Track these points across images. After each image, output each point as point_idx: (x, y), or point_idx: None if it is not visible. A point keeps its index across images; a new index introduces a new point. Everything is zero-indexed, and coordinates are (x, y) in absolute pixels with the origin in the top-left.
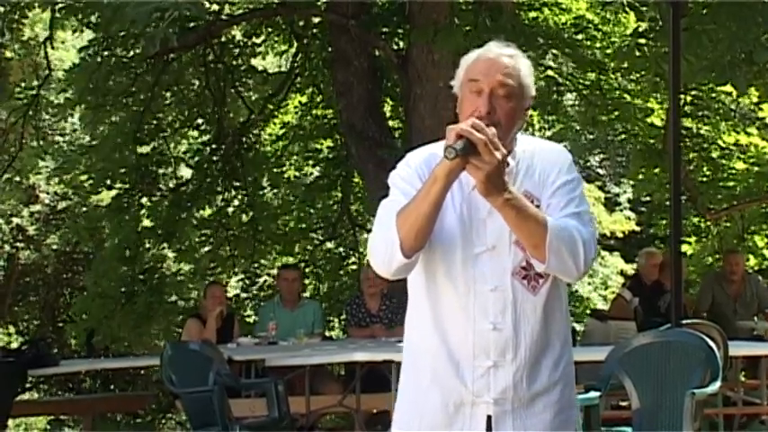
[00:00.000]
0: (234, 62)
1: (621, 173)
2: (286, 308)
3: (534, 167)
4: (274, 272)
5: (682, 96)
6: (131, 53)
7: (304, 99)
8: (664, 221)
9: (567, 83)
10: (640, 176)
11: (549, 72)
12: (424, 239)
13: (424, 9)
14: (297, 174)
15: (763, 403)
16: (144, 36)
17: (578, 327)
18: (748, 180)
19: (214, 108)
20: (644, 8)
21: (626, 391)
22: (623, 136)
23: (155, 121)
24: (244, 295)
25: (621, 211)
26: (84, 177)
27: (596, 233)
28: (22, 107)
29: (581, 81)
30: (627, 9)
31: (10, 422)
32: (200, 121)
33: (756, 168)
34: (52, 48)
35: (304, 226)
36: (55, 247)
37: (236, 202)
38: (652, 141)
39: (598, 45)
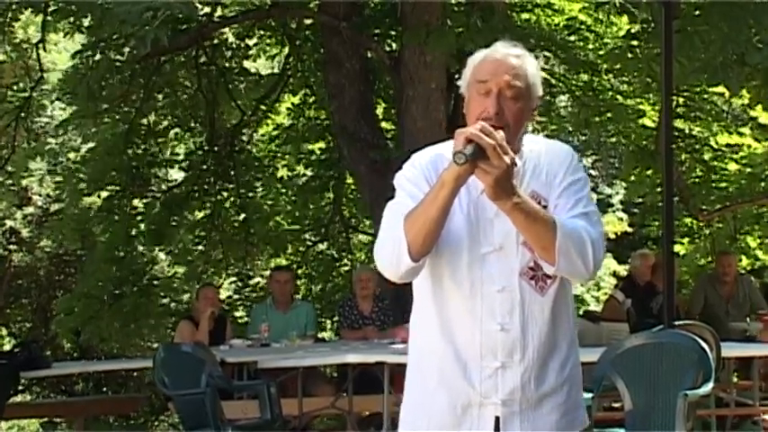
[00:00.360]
0: (226, 64)
1: (614, 174)
2: (278, 310)
3: (541, 167)
4: (267, 273)
5: (674, 98)
6: (123, 55)
7: (296, 100)
8: (656, 223)
9: (560, 84)
10: (633, 178)
11: (542, 73)
12: (432, 243)
13: (416, 10)
14: (290, 174)
15: (755, 404)
16: (135, 36)
17: None
18: (741, 181)
19: (206, 110)
20: (636, 10)
21: (618, 392)
22: (614, 139)
23: (147, 123)
24: (236, 297)
25: (614, 212)
26: (77, 177)
27: (604, 233)
28: (14, 110)
29: (573, 82)
30: (619, 11)
31: (2, 424)
32: (192, 123)
33: (749, 169)
34: (44, 50)
35: (297, 227)
36: (48, 249)
37: (228, 204)
38: (644, 143)
39: (591, 46)
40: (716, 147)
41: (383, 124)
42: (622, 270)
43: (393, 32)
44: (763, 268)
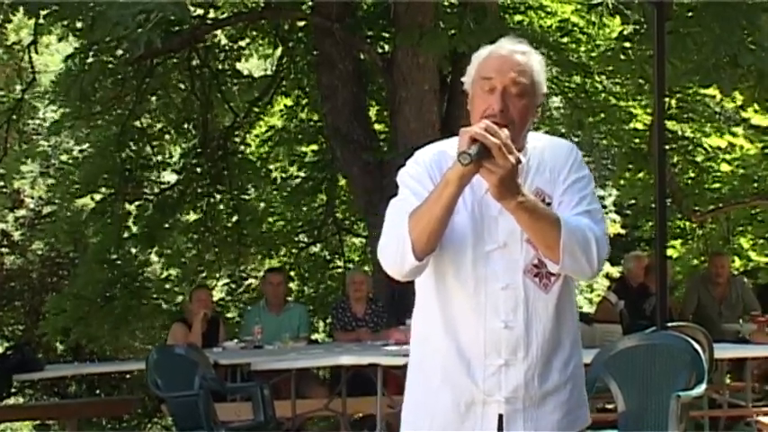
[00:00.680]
0: (219, 66)
1: (606, 176)
2: (272, 312)
3: (545, 164)
4: (260, 274)
5: (667, 99)
6: (116, 57)
7: (289, 102)
8: (649, 224)
9: (553, 86)
10: (625, 180)
11: None
12: (436, 242)
13: (409, 12)
14: (283, 175)
15: (747, 405)
16: (128, 39)
17: None
18: (733, 182)
19: (199, 112)
20: (629, 11)
21: (611, 393)
22: (605, 141)
23: (140, 126)
24: (229, 298)
25: (607, 213)
26: (70, 179)
27: (608, 231)
28: (6, 112)
29: (566, 84)
30: (612, 12)
31: None
32: (185, 125)
33: (741, 170)
34: (36, 52)
35: (289, 228)
36: (40, 252)
37: (221, 206)
38: (637, 143)
39: (583, 48)
40: (708, 148)
41: (376, 126)
42: (615, 272)
43: (386, 34)
44: (756, 269)
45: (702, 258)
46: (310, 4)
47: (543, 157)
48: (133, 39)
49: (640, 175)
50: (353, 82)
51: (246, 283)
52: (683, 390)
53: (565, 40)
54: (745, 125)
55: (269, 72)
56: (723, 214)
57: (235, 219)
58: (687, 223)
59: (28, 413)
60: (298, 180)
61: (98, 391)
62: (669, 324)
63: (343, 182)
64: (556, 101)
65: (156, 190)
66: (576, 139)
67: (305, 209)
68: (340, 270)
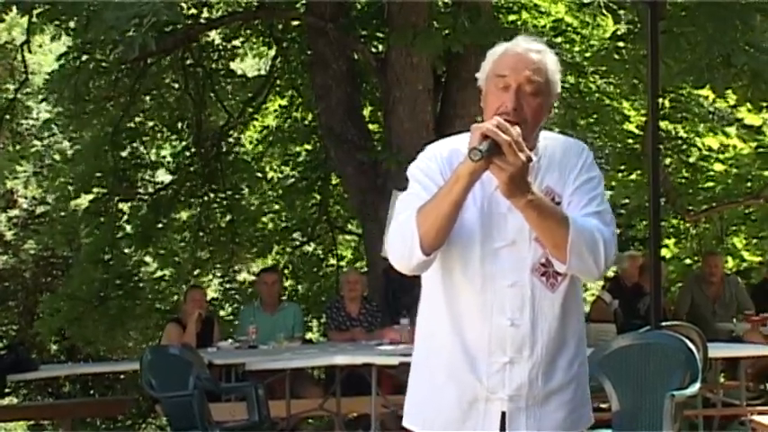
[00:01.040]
0: (213, 66)
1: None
2: (266, 311)
3: (556, 163)
4: (254, 272)
5: (660, 99)
6: (110, 58)
7: (284, 102)
8: (643, 224)
9: None
10: (617, 180)
11: None
12: (444, 238)
13: (403, 12)
14: (279, 175)
15: (742, 404)
16: (123, 41)
17: None
18: (727, 182)
19: (193, 112)
20: (622, 12)
21: (606, 393)
22: (599, 141)
23: (134, 125)
24: (223, 297)
25: None
26: (62, 181)
27: (616, 232)
28: None
29: (560, 84)
30: (605, 12)
31: None
32: (179, 124)
33: (735, 170)
34: (29, 52)
35: (283, 227)
36: (33, 251)
37: (214, 206)
38: (631, 143)
39: (577, 48)
40: (702, 148)
41: (370, 126)
42: (609, 271)
43: (380, 34)
44: (749, 269)
45: (696, 258)
46: (304, 3)
47: (554, 156)
48: (128, 41)
49: (633, 176)
50: (347, 82)
51: (239, 279)
52: (678, 389)
53: (558, 39)
54: (739, 125)
55: (263, 72)
56: (716, 214)
57: (228, 218)
58: (681, 223)
59: (22, 413)
60: (291, 180)
61: (92, 392)
62: (663, 323)
63: (336, 181)
64: None
65: (151, 190)
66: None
67: (299, 209)
68: (332, 268)
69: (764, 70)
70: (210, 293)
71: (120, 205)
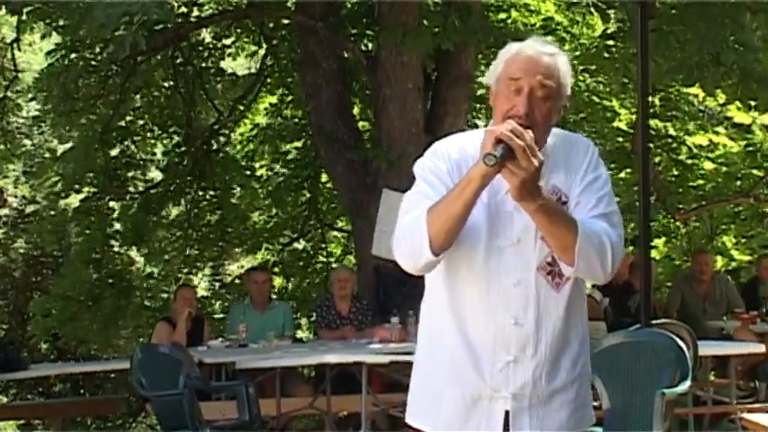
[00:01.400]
0: (203, 64)
1: None
2: (256, 310)
3: (561, 162)
4: (243, 270)
5: (650, 97)
6: (100, 56)
7: (274, 100)
8: (633, 223)
9: None
10: None
11: None
12: (454, 238)
13: (393, 10)
14: (269, 173)
15: (732, 402)
16: (113, 40)
17: None
18: (716, 180)
19: (183, 110)
20: (611, 11)
21: (596, 391)
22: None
23: (124, 124)
24: (212, 295)
25: None
26: (53, 180)
27: (623, 234)
28: None
29: None
30: (594, 11)
31: None
32: (169, 123)
33: (725, 168)
34: (19, 50)
35: (273, 225)
36: (22, 250)
37: (204, 203)
38: (621, 142)
39: (567, 47)
40: (692, 146)
41: (360, 124)
42: None
43: (370, 32)
44: (738, 269)
45: (685, 258)
46: (294, 2)
47: (559, 154)
48: (118, 40)
49: (623, 174)
50: (337, 80)
51: (229, 275)
52: (668, 387)
53: (548, 38)
54: (728, 123)
55: (253, 70)
56: (706, 212)
57: (218, 216)
58: (671, 221)
59: (12, 413)
60: (281, 178)
61: (83, 391)
62: (653, 321)
63: (326, 179)
64: None
65: (141, 188)
66: None
67: (290, 206)
68: (322, 266)
69: (754, 69)
70: (200, 291)
71: (111, 204)
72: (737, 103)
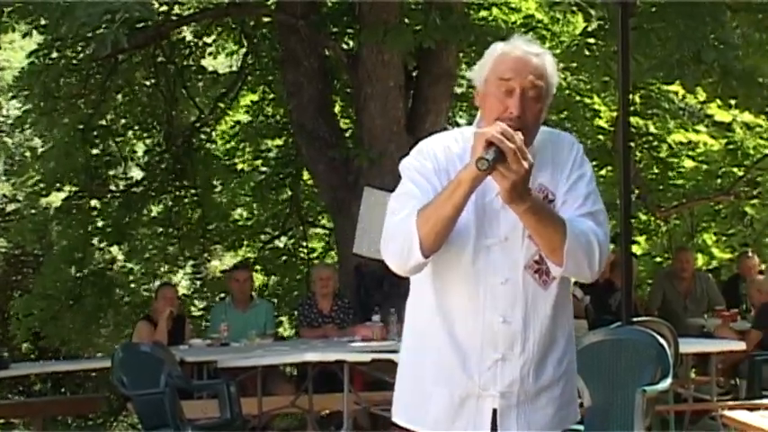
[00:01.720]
0: (184, 62)
1: None
2: (238, 309)
3: (547, 159)
4: (225, 267)
5: (631, 95)
6: (80, 55)
7: (255, 98)
8: (614, 220)
9: None
10: None
11: None
12: (443, 240)
13: (374, 9)
14: (250, 168)
15: (712, 399)
16: (94, 39)
17: None
18: (697, 178)
19: (164, 108)
20: (592, 10)
21: (578, 388)
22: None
23: (105, 123)
24: (193, 292)
25: None
26: (34, 178)
27: (609, 232)
28: None
29: None
30: (575, 9)
31: None
32: (150, 121)
33: (705, 166)
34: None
35: (253, 221)
36: (4, 249)
37: (186, 201)
38: (602, 140)
39: (547, 45)
40: (672, 144)
41: (341, 122)
42: None
43: (351, 31)
44: (719, 267)
45: (666, 255)
46: (275, 0)
47: (546, 151)
48: (99, 39)
49: (603, 172)
50: (319, 79)
51: (210, 272)
52: (649, 384)
53: (529, 36)
54: (709, 121)
55: (234, 68)
56: (687, 210)
57: (199, 213)
58: (651, 219)
59: None
60: (263, 176)
61: (63, 390)
62: (634, 319)
63: (308, 177)
64: None
65: (122, 186)
66: None
67: (271, 204)
68: (303, 263)
69: (734, 67)
70: (181, 290)
71: (93, 202)
72: (718, 101)
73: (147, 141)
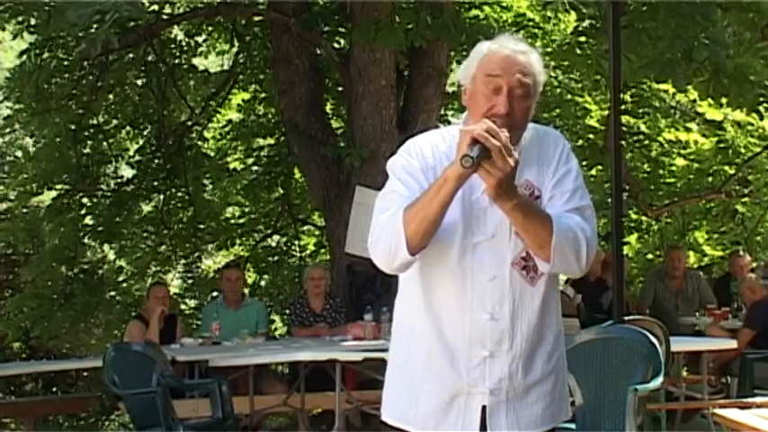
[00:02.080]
0: (175, 61)
1: None
2: (229, 308)
3: (533, 156)
4: (217, 266)
5: (622, 94)
6: (72, 55)
7: (247, 96)
8: (605, 219)
9: None
10: None
11: None
12: (430, 238)
13: (366, 7)
14: (240, 167)
15: (704, 398)
16: (85, 38)
17: None
18: (688, 177)
19: (156, 107)
20: (584, 9)
21: (569, 387)
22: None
23: (96, 122)
24: (185, 290)
25: None
26: (25, 177)
27: (596, 227)
28: None
29: None
30: (567, 8)
31: None
32: (141, 120)
33: (696, 165)
34: None
35: (245, 220)
36: None
37: (177, 200)
38: (593, 138)
39: (539, 43)
40: (663, 142)
41: (333, 121)
42: None
43: (342, 29)
44: (710, 265)
45: (658, 253)
46: None
47: (532, 148)
48: (90, 39)
49: (594, 171)
50: (310, 78)
51: (202, 270)
52: (641, 383)
53: (520, 35)
54: (700, 120)
55: (226, 67)
56: (678, 209)
57: (191, 212)
58: (643, 217)
59: None
60: (254, 175)
61: (55, 389)
62: (626, 317)
63: (299, 175)
64: None
65: (113, 185)
66: None
67: (262, 202)
68: (295, 262)
69: (725, 65)
70: (173, 288)
71: (84, 201)
72: (709, 99)
73: (139, 140)
